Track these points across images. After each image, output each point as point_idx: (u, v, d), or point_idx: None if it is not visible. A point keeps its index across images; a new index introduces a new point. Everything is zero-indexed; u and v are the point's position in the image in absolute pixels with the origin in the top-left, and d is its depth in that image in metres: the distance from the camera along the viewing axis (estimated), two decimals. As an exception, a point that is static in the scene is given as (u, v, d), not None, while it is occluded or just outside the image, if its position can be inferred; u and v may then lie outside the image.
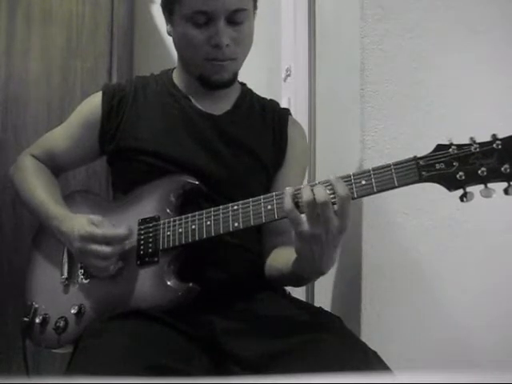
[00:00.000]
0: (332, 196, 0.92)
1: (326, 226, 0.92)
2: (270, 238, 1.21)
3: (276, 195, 0.99)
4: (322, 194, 0.91)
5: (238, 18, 1.12)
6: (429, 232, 1.22)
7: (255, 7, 1.19)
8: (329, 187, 0.93)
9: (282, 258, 1.12)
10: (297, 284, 1.19)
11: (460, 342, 1.20)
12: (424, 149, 0.92)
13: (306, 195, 0.92)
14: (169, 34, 1.21)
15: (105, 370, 0.87)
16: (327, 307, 1.35)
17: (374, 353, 0.98)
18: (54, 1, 2.02)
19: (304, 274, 1.06)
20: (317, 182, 0.96)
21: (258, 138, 1.24)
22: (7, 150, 1.88)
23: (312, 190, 0.92)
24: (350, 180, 0.94)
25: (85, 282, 1.14)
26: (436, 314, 1.21)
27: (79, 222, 1.11)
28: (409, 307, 1.21)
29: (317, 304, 1.41)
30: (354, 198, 0.94)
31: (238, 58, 1.18)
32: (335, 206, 0.92)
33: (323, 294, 1.49)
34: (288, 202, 0.94)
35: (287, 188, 0.96)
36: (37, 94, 1.97)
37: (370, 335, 1.18)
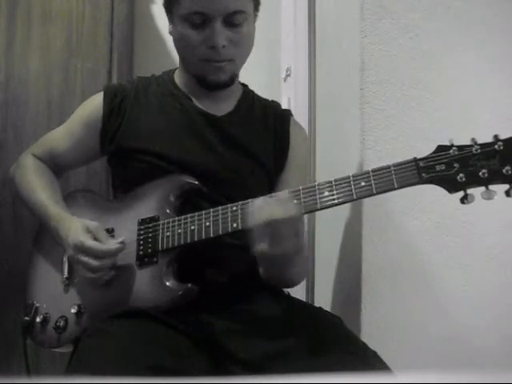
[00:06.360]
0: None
1: (283, 247, 0.93)
2: None
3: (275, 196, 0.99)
4: (279, 212, 0.92)
5: (235, 20, 1.13)
6: (429, 232, 1.22)
7: (256, 10, 1.19)
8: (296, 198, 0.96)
9: None
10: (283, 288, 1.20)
11: (460, 342, 1.20)
12: (424, 149, 0.91)
13: (264, 214, 0.93)
14: (170, 33, 1.21)
15: (105, 369, 0.87)
16: (327, 307, 1.35)
17: (374, 353, 0.98)
18: (54, 1, 2.01)
19: (277, 286, 1.13)
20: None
21: (259, 140, 1.24)
22: (7, 150, 1.88)
23: (270, 209, 0.94)
24: (350, 181, 0.94)
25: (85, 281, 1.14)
26: (436, 314, 1.21)
27: (75, 228, 1.11)
28: (409, 307, 1.21)
29: (317, 304, 1.41)
30: (353, 200, 0.94)
31: (236, 60, 1.18)
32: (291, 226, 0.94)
33: (323, 294, 1.49)
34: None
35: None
36: (37, 94, 1.96)
37: (370, 335, 1.18)
